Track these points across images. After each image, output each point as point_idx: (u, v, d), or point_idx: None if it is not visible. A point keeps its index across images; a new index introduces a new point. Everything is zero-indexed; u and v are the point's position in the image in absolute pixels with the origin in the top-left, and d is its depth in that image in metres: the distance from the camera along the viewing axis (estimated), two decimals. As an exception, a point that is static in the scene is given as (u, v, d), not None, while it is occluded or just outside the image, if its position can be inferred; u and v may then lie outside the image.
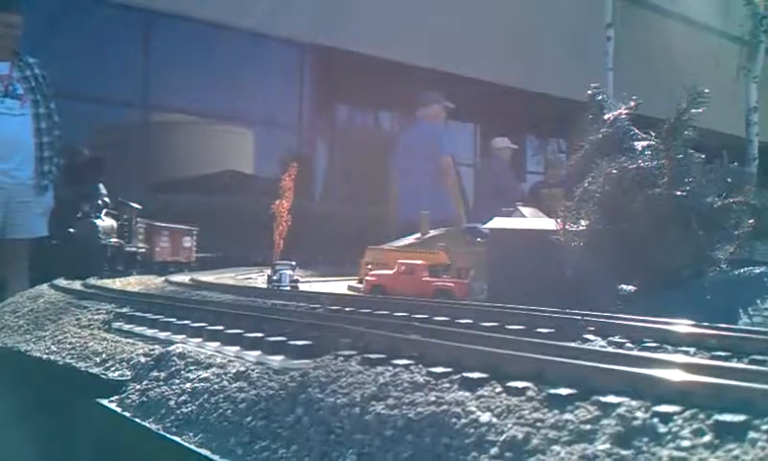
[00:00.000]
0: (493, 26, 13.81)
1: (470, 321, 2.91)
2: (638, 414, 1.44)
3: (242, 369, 2.24)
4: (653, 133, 3.90)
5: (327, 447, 1.76)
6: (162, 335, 3.07)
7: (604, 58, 11.64)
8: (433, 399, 1.72)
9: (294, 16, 12.11)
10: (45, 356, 3.20)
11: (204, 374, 2.32)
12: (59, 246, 6.44)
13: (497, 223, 4.81)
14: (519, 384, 1.69)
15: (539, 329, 2.62)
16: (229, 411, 2.08)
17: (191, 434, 2.09)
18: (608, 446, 1.40)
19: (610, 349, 2.29)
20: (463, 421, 1.61)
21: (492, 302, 3.78)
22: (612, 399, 1.52)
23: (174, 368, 2.45)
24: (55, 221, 6.80)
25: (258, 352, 2.48)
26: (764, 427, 1.32)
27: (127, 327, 3.37)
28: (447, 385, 1.79)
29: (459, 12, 13.47)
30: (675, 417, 1.41)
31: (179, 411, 2.22)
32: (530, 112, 15.76)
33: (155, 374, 2.49)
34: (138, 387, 2.46)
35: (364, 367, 2.00)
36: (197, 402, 2.20)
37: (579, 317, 2.70)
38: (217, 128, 13.28)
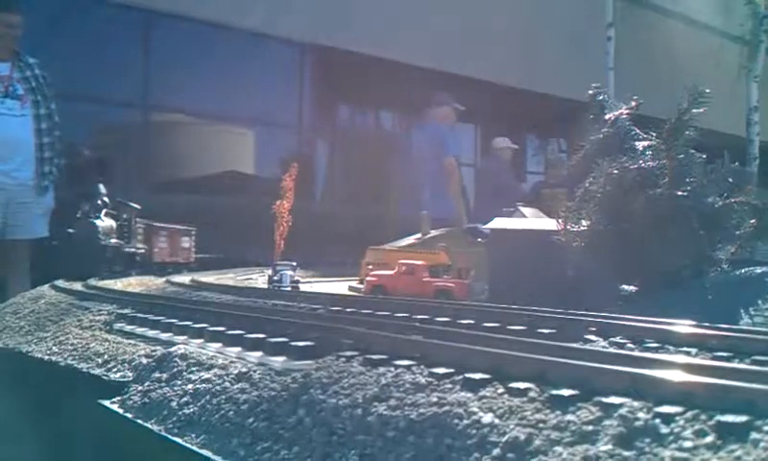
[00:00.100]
0: (494, 26, 13.81)
1: (472, 321, 2.91)
2: (640, 415, 1.44)
3: (244, 370, 2.24)
4: (654, 134, 3.91)
5: (329, 448, 1.76)
6: (164, 336, 3.07)
7: (604, 57, 11.64)
8: (435, 399, 1.72)
9: (294, 17, 12.11)
10: (47, 357, 3.20)
11: (205, 375, 2.32)
12: (58, 246, 6.43)
13: (498, 223, 4.81)
14: (521, 385, 1.69)
15: (540, 330, 2.62)
16: (231, 412, 2.08)
17: (193, 435, 2.09)
18: (610, 446, 1.39)
19: (611, 349, 2.29)
20: (465, 422, 1.61)
21: (493, 302, 3.78)
22: (614, 399, 1.52)
23: (176, 369, 2.45)
24: (54, 221, 6.79)
25: (260, 353, 2.48)
26: (766, 428, 1.32)
27: (128, 328, 3.37)
28: (449, 386, 1.79)
29: (459, 12, 13.47)
30: (677, 418, 1.41)
31: (180, 412, 2.22)
32: (530, 112, 15.75)
33: (156, 375, 2.48)
34: (140, 388, 2.46)
35: (366, 368, 2.00)
36: (199, 403, 2.20)
37: (581, 317, 2.70)
38: (217, 128, 13.28)
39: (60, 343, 3.30)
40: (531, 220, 5.09)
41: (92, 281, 5.42)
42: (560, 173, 11.12)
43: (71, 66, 9.54)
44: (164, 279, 6.39)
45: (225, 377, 2.25)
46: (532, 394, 1.64)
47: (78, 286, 5.01)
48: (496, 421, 1.58)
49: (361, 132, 15.49)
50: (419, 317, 3.10)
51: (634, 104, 4.22)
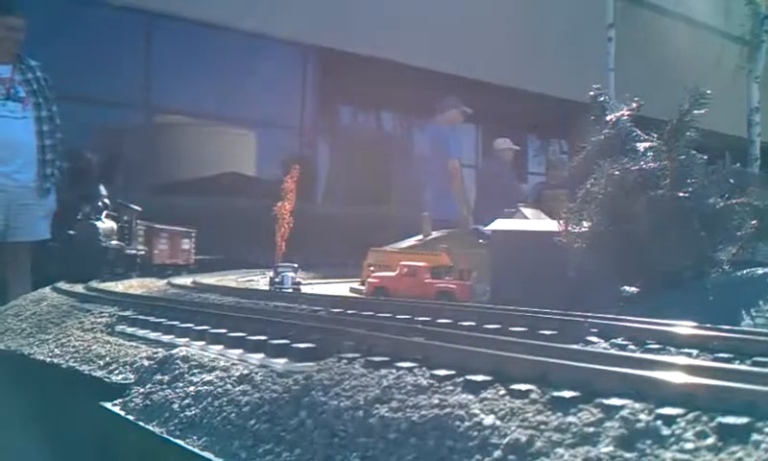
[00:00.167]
0: (495, 27, 13.81)
1: (473, 323, 2.91)
2: (642, 416, 1.44)
3: (245, 372, 2.25)
4: (655, 135, 3.91)
5: (331, 450, 1.76)
6: (165, 338, 3.07)
7: (605, 58, 11.63)
8: (437, 401, 1.72)
9: (295, 18, 12.12)
10: (48, 359, 3.20)
11: (207, 377, 2.32)
12: (58, 248, 6.43)
13: (499, 224, 4.81)
14: (523, 387, 1.69)
15: (542, 331, 2.62)
16: (233, 414, 2.08)
17: (195, 437, 2.09)
18: (611, 448, 1.40)
19: (612, 351, 2.29)
20: (466, 423, 1.61)
21: (494, 303, 3.78)
22: (615, 401, 1.52)
23: (177, 371, 2.45)
24: (55, 223, 6.80)
25: (262, 355, 2.48)
26: (767, 430, 1.32)
27: (130, 330, 3.37)
28: (451, 388, 1.79)
29: (460, 13, 13.48)
30: (678, 419, 1.41)
31: (182, 414, 2.22)
32: (531, 113, 15.75)
33: (158, 377, 2.49)
34: (142, 390, 2.46)
35: (367, 370, 2.00)
36: (200, 406, 2.20)
37: (582, 319, 2.70)
38: (218, 129, 13.29)
39: (61, 345, 3.30)
40: (532, 221, 5.09)
41: (93, 284, 5.42)
42: (561, 174, 11.12)
43: (73, 68, 9.55)
44: (165, 281, 6.40)
45: (226, 379, 2.25)
46: (533, 395, 1.64)
47: (79, 288, 5.02)
48: (498, 422, 1.58)
49: (362, 133, 15.50)
50: (420, 319, 3.10)
51: (635, 105, 4.22)
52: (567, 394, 1.60)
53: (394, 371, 1.95)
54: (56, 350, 3.28)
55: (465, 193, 10.62)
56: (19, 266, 6.66)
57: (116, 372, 2.75)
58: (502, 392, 1.70)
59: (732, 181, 3.86)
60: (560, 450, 1.44)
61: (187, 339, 2.95)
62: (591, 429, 1.46)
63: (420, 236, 6.63)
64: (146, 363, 2.68)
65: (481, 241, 5.66)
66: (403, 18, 13.00)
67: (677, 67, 12.87)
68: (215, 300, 4.39)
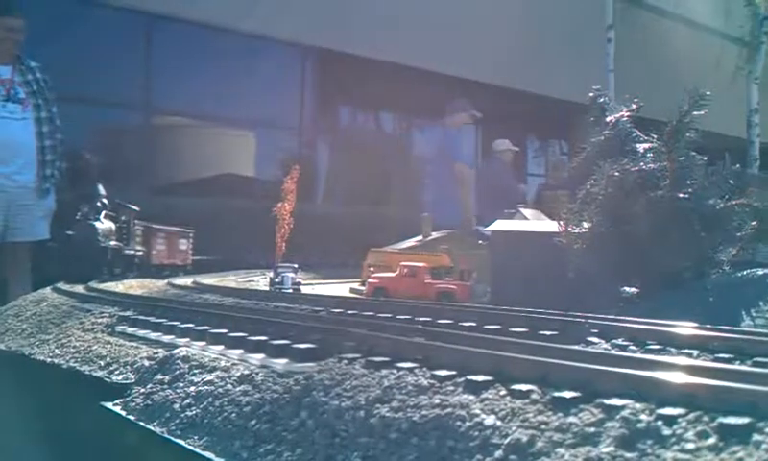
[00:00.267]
0: (495, 28, 13.81)
1: (474, 323, 2.91)
2: (643, 417, 1.44)
3: (246, 372, 2.25)
4: (655, 136, 3.91)
5: (332, 450, 1.76)
6: (166, 339, 3.07)
7: (605, 59, 11.63)
8: (437, 401, 1.72)
9: (295, 19, 12.12)
10: (49, 360, 3.20)
11: (208, 377, 2.32)
12: (57, 248, 6.42)
13: (499, 225, 4.81)
14: (524, 387, 1.69)
15: (542, 332, 2.62)
16: (234, 414, 2.08)
17: (196, 437, 2.09)
18: (612, 448, 1.40)
19: (613, 351, 2.29)
20: (467, 423, 1.61)
21: (494, 304, 3.78)
22: (616, 401, 1.52)
23: (178, 371, 2.45)
24: (54, 223, 6.79)
25: (262, 356, 2.48)
26: (768, 430, 1.32)
27: (130, 330, 3.37)
28: (452, 388, 1.79)
29: (460, 14, 13.48)
30: (679, 419, 1.41)
31: (183, 414, 2.22)
32: (531, 114, 15.76)
33: (159, 377, 2.49)
34: (142, 390, 2.46)
35: (368, 370, 2.00)
36: (201, 406, 2.20)
37: (582, 319, 2.70)
38: (218, 130, 13.29)
39: (62, 345, 3.30)
40: (532, 222, 5.09)
41: (94, 284, 5.42)
42: (562, 175, 11.13)
43: (73, 69, 9.55)
44: (165, 281, 6.40)
45: (227, 380, 2.25)
46: (534, 396, 1.64)
47: (79, 289, 5.02)
48: (499, 423, 1.58)
49: (362, 133, 15.50)
50: (421, 319, 3.10)
51: (634, 106, 4.22)
52: (568, 394, 1.60)
53: (394, 371, 1.95)
54: (56, 350, 3.28)
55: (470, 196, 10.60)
56: (19, 266, 6.66)
57: (117, 372, 2.75)
58: (503, 392, 1.70)
59: (731, 182, 3.86)
60: (561, 450, 1.44)
61: (188, 339, 2.95)
62: (592, 429, 1.46)
63: (420, 237, 6.64)
64: (147, 363, 2.68)
65: (481, 242, 5.66)
66: (402, 19, 13.00)
67: (676, 68, 12.88)
68: (215, 300, 4.39)
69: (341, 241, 10.80)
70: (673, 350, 2.29)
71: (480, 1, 14.03)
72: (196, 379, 2.35)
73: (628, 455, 1.37)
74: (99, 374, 2.81)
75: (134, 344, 3.04)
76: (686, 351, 2.25)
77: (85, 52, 10.48)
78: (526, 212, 5.61)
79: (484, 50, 13.70)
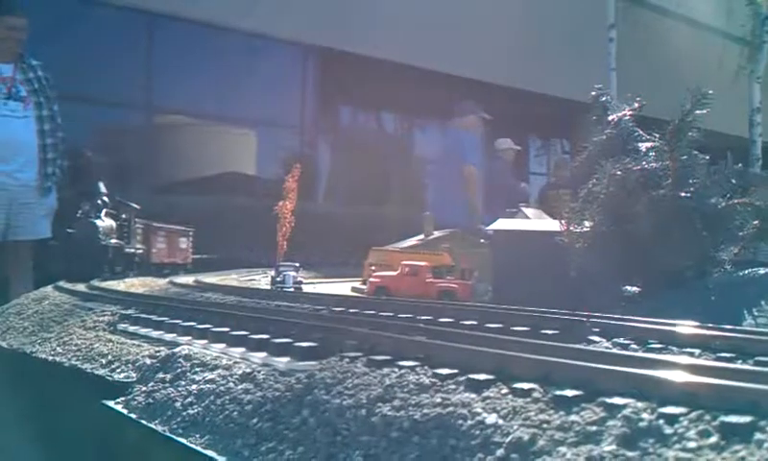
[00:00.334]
0: (496, 27, 13.80)
1: (475, 322, 2.91)
2: (644, 415, 1.44)
3: (248, 370, 2.25)
4: (657, 135, 3.91)
5: (334, 448, 1.76)
6: (168, 337, 3.07)
7: (606, 58, 11.62)
8: (439, 400, 1.72)
9: (296, 18, 12.12)
10: (51, 358, 3.20)
11: (209, 375, 2.32)
12: (58, 246, 6.42)
13: (501, 224, 4.81)
14: (525, 386, 1.69)
15: (544, 331, 2.62)
16: (236, 413, 2.08)
17: (197, 436, 2.10)
18: (614, 447, 1.40)
19: (615, 350, 2.29)
20: (469, 422, 1.61)
21: (496, 303, 3.78)
22: (617, 400, 1.52)
23: (180, 369, 2.45)
24: (55, 221, 6.80)
25: (264, 354, 2.48)
26: (770, 429, 1.32)
27: (132, 328, 3.37)
28: (453, 387, 1.79)
29: (461, 13, 13.47)
30: (681, 418, 1.41)
31: (185, 413, 2.22)
32: (533, 113, 15.75)
33: (160, 375, 2.49)
34: (144, 389, 2.47)
35: (370, 368, 2.00)
36: (203, 404, 2.20)
37: (584, 318, 2.70)
38: (219, 129, 13.30)
39: (63, 344, 3.30)
40: (534, 221, 5.09)
41: (95, 282, 5.42)
42: (565, 174, 11.12)
43: (74, 68, 9.56)
44: (167, 279, 6.40)
45: (229, 378, 2.25)
46: (536, 394, 1.64)
47: (81, 287, 5.02)
48: (500, 421, 1.58)
49: (363, 132, 15.50)
50: (422, 318, 3.10)
51: (637, 105, 4.22)
52: (570, 393, 1.60)
53: (396, 370, 1.95)
54: (58, 348, 3.28)
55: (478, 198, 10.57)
56: (21, 265, 6.66)
57: (118, 370, 2.76)
58: (505, 391, 1.70)
59: (733, 181, 3.86)
60: (562, 449, 1.44)
61: (190, 338, 2.96)
62: (594, 428, 1.46)
63: (422, 236, 6.64)
64: (148, 361, 2.68)
65: (482, 241, 5.67)
66: (403, 18, 13.00)
67: (678, 68, 12.87)
68: (217, 299, 4.39)
69: (342, 240, 10.81)
70: (675, 349, 2.29)
71: (482, 0, 14.03)
72: (198, 378, 2.35)
73: (630, 454, 1.37)
74: (101, 372, 2.81)
75: (136, 342, 3.05)
76: (688, 350, 2.25)
77: (87, 51, 10.48)
78: (528, 211, 5.61)
79: (486, 49, 13.69)
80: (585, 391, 1.60)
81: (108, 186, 7.07)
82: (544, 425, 1.52)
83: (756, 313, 3.28)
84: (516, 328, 2.69)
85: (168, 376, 2.46)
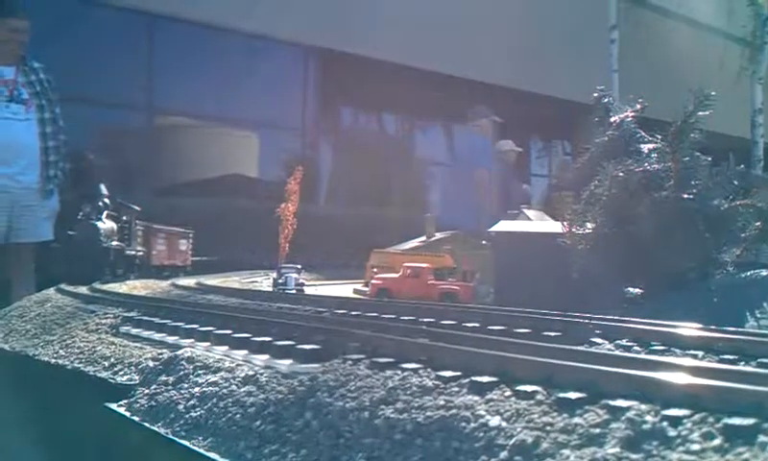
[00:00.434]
0: (497, 28, 13.81)
1: (478, 324, 2.91)
2: (648, 418, 1.44)
3: (250, 373, 2.25)
4: (659, 136, 3.91)
5: (337, 451, 1.76)
6: (170, 339, 3.07)
7: (608, 60, 11.63)
8: (442, 402, 1.72)
9: (296, 19, 12.13)
10: (53, 361, 3.20)
11: (212, 378, 2.32)
12: (59, 249, 6.41)
13: (503, 226, 4.82)
14: (528, 388, 1.69)
15: (546, 333, 2.62)
16: (238, 415, 2.08)
17: (200, 438, 2.09)
18: (617, 449, 1.39)
19: (617, 352, 2.29)
20: (472, 425, 1.61)
21: (498, 304, 3.78)
22: (621, 402, 1.52)
23: (182, 372, 2.45)
24: (57, 223, 6.79)
25: (266, 356, 2.48)
26: (774, 431, 1.32)
27: (135, 331, 3.37)
28: (456, 389, 1.78)
29: (462, 15, 13.48)
30: (684, 420, 1.41)
31: (187, 415, 2.22)
32: (534, 115, 15.75)
33: (163, 378, 2.49)
34: (147, 391, 2.46)
35: (372, 371, 2.00)
36: (206, 406, 2.20)
37: (586, 320, 2.70)
38: (221, 131, 13.31)
39: (66, 346, 3.30)
40: (535, 223, 5.09)
41: (97, 285, 5.42)
42: (567, 176, 11.10)
43: (75, 70, 9.57)
44: (169, 282, 6.40)
45: (231, 380, 2.25)
46: (539, 397, 1.64)
47: (83, 290, 5.02)
48: (504, 424, 1.58)
49: (364, 134, 15.51)
50: (425, 320, 3.10)
51: (639, 106, 4.22)
52: (573, 395, 1.60)
53: (399, 372, 1.95)
54: (60, 351, 3.28)
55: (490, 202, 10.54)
56: (23, 267, 6.66)
57: (121, 373, 2.76)
58: (508, 393, 1.70)
59: (736, 182, 3.86)
60: (566, 451, 1.44)
61: (192, 340, 2.95)
62: (597, 430, 1.46)
63: (424, 238, 6.64)
64: (151, 364, 2.68)
65: (484, 242, 5.67)
66: (404, 19, 13.00)
67: (680, 69, 12.88)
68: (219, 301, 4.39)
69: (344, 242, 10.82)
70: (677, 351, 2.29)
71: (483, 1, 14.04)
72: (200, 380, 2.35)
73: (633, 456, 1.36)
74: (103, 374, 2.81)
75: (139, 345, 3.04)
76: (691, 352, 2.25)
77: (88, 52, 10.49)
78: (529, 213, 5.61)
79: (487, 50, 13.70)
80: (588, 393, 1.60)
81: (110, 188, 7.07)
82: (548, 428, 1.52)
83: (758, 315, 3.28)
84: (518, 330, 2.69)
85: (171, 379, 2.45)
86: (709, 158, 3.84)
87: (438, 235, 6.60)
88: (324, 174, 14.54)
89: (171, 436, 2.17)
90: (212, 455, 1.98)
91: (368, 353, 2.19)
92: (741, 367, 1.93)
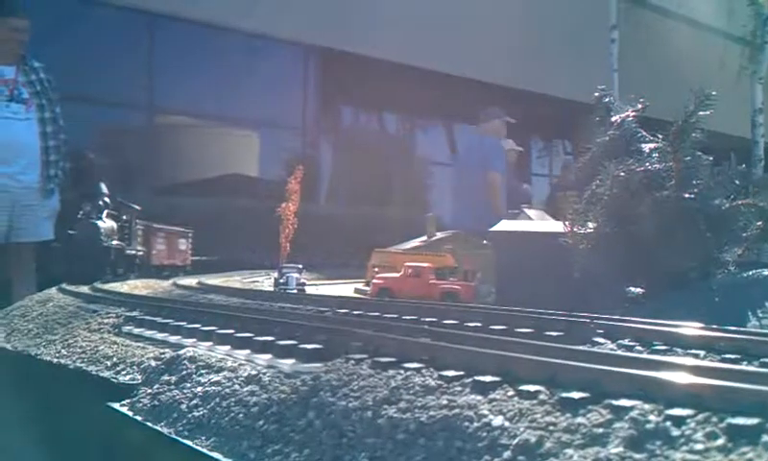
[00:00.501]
0: (497, 27, 13.82)
1: (479, 324, 2.91)
2: (651, 417, 1.44)
3: (253, 372, 2.25)
4: (660, 136, 3.91)
5: (340, 450, 1.76)
6: (173, 339, 3.08)
7: (608, 59, 11.63)
8: (445, 402, 1.73)
9: (297, 18, 12.14)
10: (55, 360, 3.20)
11: (215, 377, 2.32)
12: (59, 248, 6.41)
13: (504, 226, 4.82)
14: (531, 388, 1.69)
15: (548, 332, 2.62)
16: (241, 415, 2.08)
17: (203, 438, 2.10)
18: (621, 449, 1.40)
19: (620, 352, 2.29)
20: (475, 424, 1.61)
21: (499, 304, 3.78)
22: (624, 402, 1.52)
23: (185, 372, 2.46)
24: (57, 222, 6.80)
25: (269, 356, 2.48)
26: (778, 431, 1.32)
27: (137, 330, 3.38)
28: (459, 389, 1.79)
29: (462, 14, 13.48)
30: (688, 420, 1.41)
31: (190, 415, 2.22)
32: (535, 114, 15.76)
33: (165, 377, 2.49)
34: (149, 391, 2.47)
35: (375, 370, 2.00)
36: (208, 406, 2.20)
37: (588, 320, 2.70)
38: (221, 130, 13.31)
39: (68, 346, 3.31)
40: (536, 222, 5.09)
41: (98, 284, 5.43)
42: (570, 176, 11.11)
43: (75, 69, 9.57)
44: (171, 281, 6.40)
45: (234, 380, 2.25)
46: (542, 396, 1.64)
47: (85, 289, 5.03)
48: (507, 423, 1.58)
49: (365, 133, 15.52)
50: (427, 319, 3.10)
51: (640, 106, 4.22)
52: (576, 395, 1.60)
53: (401, 371, 1.95)
54: (63, 350, 3.28)
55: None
56: (23, 267, 6.67)
57: (123, 372, 2.76)
58: (511, 393, 1.70)
59: (737, 182, 3.86)
60: (569, 451, 1.44)
61: (194, 340, 2.96)
62: (601, 430, 1.46)
63: (425, 237, 6.64)
64: (153, 364, 2.68)
65: (485, 242, 5.67)
66: (405, 18, 13.01)
67: (680, 68, 12.88)
68: (221, 301, 4.40)
69: (345, 241, 10.82)
70: (679, 350, 2.29)
71: (483, 0, 14.04)
72: (203, 380, 2.35)
73: (637, 456, 1.37)
74: (106, 374, 2.81)
75: (141, 344, 3.05)
76: (693, 351, 2.25)
77: (88, 51, 10.50)
78: (530, 212, 5.61)
79: (487, 49, 13.70)
80: (591, 393, 1.60)
81: (110, 187, 7.07)
82: (551, 428, 1.52)
83: (760, 314, 3.28)
84: (520, 330, 2.69)
85: (173, 378, 2.46)
86: (711, 158, 3.84)
87: (439, 235, 6.61)
88: (324, 173, 14.55)
89: (173, 436, 2.17)
90: (215, 455, 1.99)
91: (370, 353, 2.20)
92: (744, 366, 1.93)
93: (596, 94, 4.39)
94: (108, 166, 10.19)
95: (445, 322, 3.03)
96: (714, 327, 2.47)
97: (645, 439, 1.40)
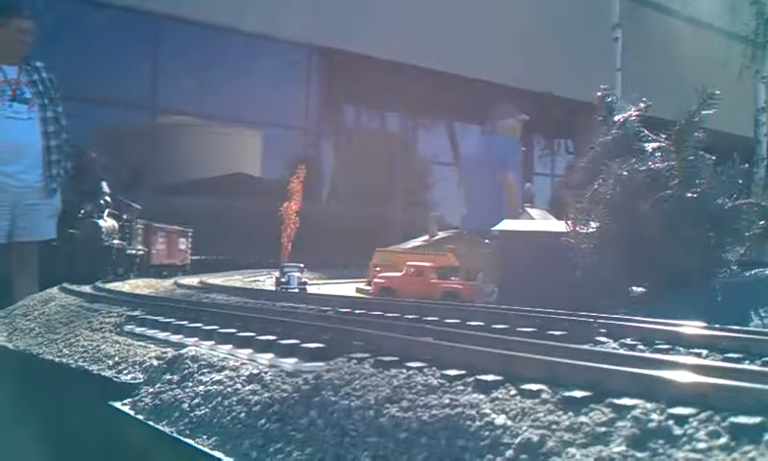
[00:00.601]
0: (500, 27, 13.81)
1: (481, 323, 2.91)
2: (653, 416, 1.44)
3: (255, 371, 2.24)
4: (663, 135, 3.90)
5: (342, 449, 1.75)
6: (174, 338, 3.07)
7: (611, 58, 11.61)
8: (447, 401, 1.72)
9: (299, 19, 12.15)
10: (57, 359, 3.20)
11: (216, 376, 2.32)
12: (60, 247, 6.40)
13: (506, 225, 4.81)
14: (534, 387, 1.68)
15: (550, 331, 2.62)
16: (243, 414, 2.08)
17: (205, 437, 2.09)
18: (623, 448, 1.39)
19: (622, 351, 2.29)
20: (477, 423, 1.61)
21: (502, 303, 3.78)
22: (626, 401, 1.51)
23: (186, 371, 2.45)
24: (58, 221, 6.79)
25: (271, 355, 2.48)
26: (780, 429, 1.32)
27: (138, 330, 3.37)
28: (461, 388, 1.78)
29: (465, 14, 13.48)
30: (690, 419, 1.41)
31: (192, 414, 2.22)
32: (537, 113, 15.74)
33: (167, 377, 2.49)
34: (151, 390, 2.46)
35: (377, 370, 2.00)
36: (210, 405, 2.20)
37: (590, 319, 2.70)
38: (224, 130, 13.32)
39: (70, 345, 3.30)
40: (538, 222, 5.09)
41: (100, 284, 5.43)
42: (574, 175, 11.06)
43: (80, 69, 9.58)
44: (172, 281, 6.40)
45: (236, 379, 2.25)
46: (544, 395, 1.64)
47: (87, 288, 5.03)
48: (509, 422, 1.58)
49: (367, 133, 15.51)
50: (428, 319, 3.10)
51: (642, 105, 4.21)
52: (578, 394, 1.60)
53: (404, 370, 1.95)
54: (65, 349, 3.28)
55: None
56: (26, 266, 6.66)
57: (125, 371, 2.75)
58: (513, 392, 1.70)
59: (740, 181, 3.85)
60: (571, 450, 1.44)
61: (196, 339, 2.95)
62: (603, 429, 1.46)
63: (427, 237, 6.64)
64: (155, 363, 2.68)
65: (487, 241, 5.67)
66: (407, 18, 13.01)
67: (683, 67, 12.88)
68: (222, 300, 4.39)
69: (346, 241, 10.81)
70: (682, 349, 2.29)
71: (486, 1, 14.03)
72: (205, 379, 2.35)
73: (639, 455, 1.36)
74: (107, 373, 2.81)
75: (143, 343, 3.04)
76: (695, 350, 2.25)
77: (92, 52, 10.52)
78: (532, 212, 5.60)
79: (489, 49, 13.70)
80: (593, 392, 1.60)
81: (112, 187, 7.07)
82: (553, 426, 1.52)
83: (762, 313, 3.27)
84: (522, 329, 2.69)
85: (175, 378, 2.45)
86: (713, 157, 3.83)
87: (441, 234, 6.60)
88: (326, 173, 14.56)
89: (175, 435, 2.17)
90: (217, 454, 1.98)
91: (372, 352, 2.19)
92: (746, 365, 1.92)
93: (599, 93, 4.39)
94: (111, 165, 10.18)
95: (448, 321, 3.03)
96: (716, 326, 2.47)
97: (648, 438, 1.40)
